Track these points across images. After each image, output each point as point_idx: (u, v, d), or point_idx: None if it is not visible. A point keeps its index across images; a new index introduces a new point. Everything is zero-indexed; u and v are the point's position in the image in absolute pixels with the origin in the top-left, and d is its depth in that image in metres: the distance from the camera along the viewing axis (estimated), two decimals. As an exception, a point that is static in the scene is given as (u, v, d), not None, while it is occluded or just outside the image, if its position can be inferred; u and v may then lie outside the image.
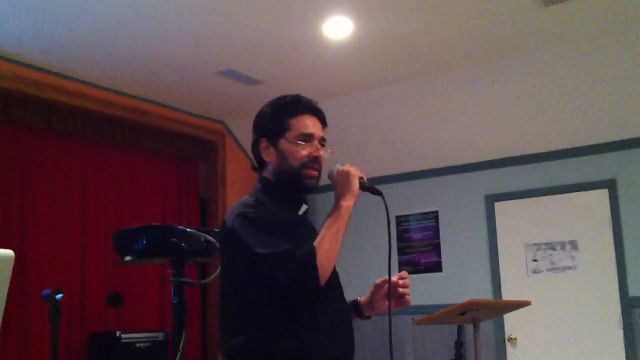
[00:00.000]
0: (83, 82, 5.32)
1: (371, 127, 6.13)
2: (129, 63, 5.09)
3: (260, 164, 2.19)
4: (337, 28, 4.59)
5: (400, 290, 2.17)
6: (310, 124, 2.13)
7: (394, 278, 2.16)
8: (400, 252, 6.36)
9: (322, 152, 2.13)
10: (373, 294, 2.23)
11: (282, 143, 2.12)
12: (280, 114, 2.15)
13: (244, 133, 6.53)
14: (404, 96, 5.83)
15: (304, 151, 2.10)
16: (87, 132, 5.52)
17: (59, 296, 3.10)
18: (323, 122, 2.19)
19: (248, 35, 4.69)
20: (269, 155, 2.14)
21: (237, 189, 6.53)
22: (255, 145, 2.19)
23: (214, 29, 4.58)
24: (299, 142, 2.10)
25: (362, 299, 2.27)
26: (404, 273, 2.20)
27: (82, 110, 5.38)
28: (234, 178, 6.61)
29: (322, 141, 2.15)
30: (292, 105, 2.16)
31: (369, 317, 2.29)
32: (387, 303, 2.14)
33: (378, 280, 2.21)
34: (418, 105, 5.89)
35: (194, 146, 6.49)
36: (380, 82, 5.67)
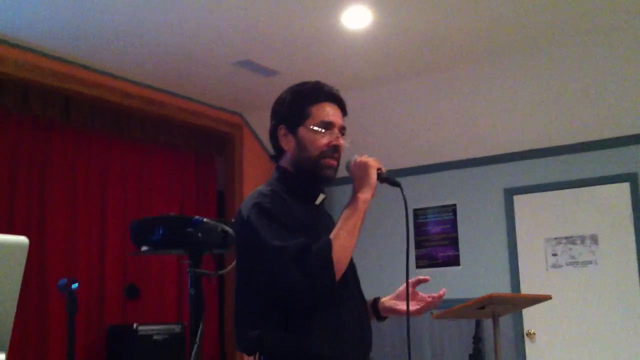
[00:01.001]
0: (101, 72, 5.31)
1: (389, 119, 6.08)
2: (147, 54, 5.08)
3: (278, 152, 2.14)
4: (356, 18, 4.54)
5: (430, 299, 2.14)
6: (331, 112, 2.08)
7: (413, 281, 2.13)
8: (418, 245, 6.31)
9: (342, 141, 2.08)
10: (398, 297, 2.18)
11: (302, 131, 2.06)
12: (300, 101, 2.10)
13: (262, 125, 6.50)
14: (423, 89, 5.78)
15: (324, 139, 2.04)
16: (106, 124, 5.53)
17: (74, 286, 3.09)
18: (344, 111, 2.14)
19: (265, 26, 4.65)
20: (288, 143, 2.09)
21: (255, 182, 6.50)
22: (273, 132, 2.13)
23: (231, 20, 4.55)
24: (319, 129, 2.05)
25: (384, 299, 2.22)
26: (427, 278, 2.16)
27: (100, 101, 5.38)
28: (252, 171, 6.59)
29: (342, 130, 2.10)
30: (313, 92, 2.11)
31: (384, 319, 2.24)
32: (416, 309, 2.11)
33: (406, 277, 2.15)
34: (437, 98, 5.83)
35: (211, 139, 6.48)
36: (398, 74, 5.61)
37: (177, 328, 5.37)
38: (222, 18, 4.53)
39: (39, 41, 4.78)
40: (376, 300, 2.23)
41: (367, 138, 5.91)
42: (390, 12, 4.50)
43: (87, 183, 5.42)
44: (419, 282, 2.18)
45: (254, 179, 6.55)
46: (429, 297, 2.15)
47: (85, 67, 5.20)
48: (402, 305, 2.13)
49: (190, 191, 6.34)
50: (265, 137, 6.66)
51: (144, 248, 2.50)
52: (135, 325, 5.09)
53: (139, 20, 4.50)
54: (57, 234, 5.12)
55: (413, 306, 2.13)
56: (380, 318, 2.23)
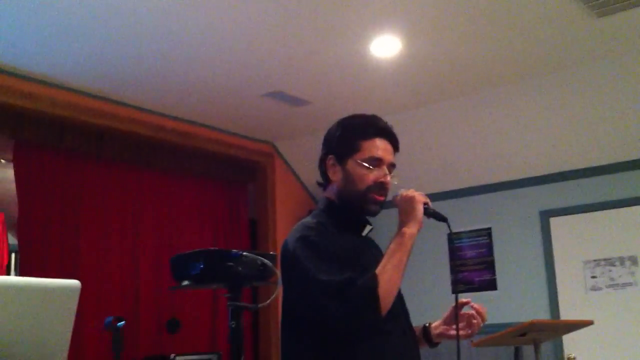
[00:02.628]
0: (134, 107, 5.40)
1: (422, 144, 6.07)
2: (179, 87, 5.15)
3: (325, 181, 2.14)
4: (385, 47, 4.57)
5: (472, 313, 2.11)
6: (381, 148, 2.07)
7: (474, 306, 2.11)
8: (453, 270, 6.26)
9: (389, 179, 2.06)
10: (445, 321, 2.17)
11: (350, 163, 2.06)
12: (351, 134, 2.09)
13: (293, 154, 6.55)
14: (454, 113, 5.77)
15: (372, 176, 2.04)
16: (139, 157, 5.61)
17: (120, 324, 3.12)
18: (395, 147, 2.13)
19: (296, 57, 4.70)
20: (335, 174, 2.09)
21: (287, 210, 6.53)
22: (322, 161, 2.13)
23: (261, 51, 4.60)
24: (368, 165, 2.04)
25: (433, 325, 2.21)
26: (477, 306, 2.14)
27: (133, 135, 5.46)
28: (284, 199, 6.62)
29: (392, 167, 2.09)
30: (366, 127, 2.10)
31: (436, 345, 2.22)
32: (461, 330, 2.09)
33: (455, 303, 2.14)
34: (468, 122, 5.81)
35: (243, 168, 6.52)
36: (429, 100, 5.62)
37: (213, 358, 5.38)
38: (252, 51, 4.58)
39: (72, 79, 4.88)
40: (426, 328, 2.21)
41: (401, 163, 5.88)
42: (418, 41, 4.52)
43: (119, 215, 5.49)
44: (462, 305, 2.16)
45: (286, 206, 6.57)
46: (473, 316, 2.12)
47: (117, 102, 5.29)
48: (452, 331, 2.12)
49: (222, 220, 6.38)
50: (297, 165, 6.71)
51: (185, 282, 2.51)
52: (172, 355, 5.11)
53: (170, 54, 4.57)
54: (92, 267, 5.17)
55: (462, 329, 2.11)
56: (433, 344, 2.21)
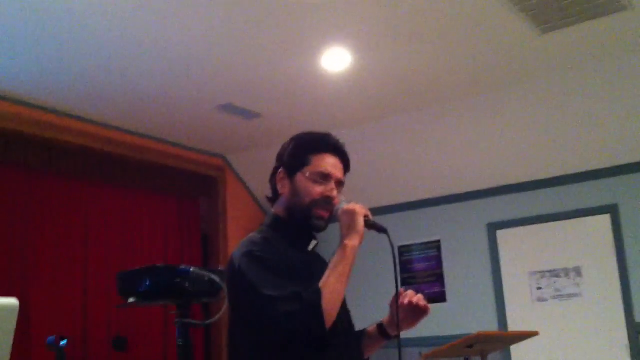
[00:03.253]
0: (84, 120, 5.33)
1: (371, 158, 6.13)
2: (129, 100, 5.10)
3: (275, 195, 2.15)
4: (336, 60, 4.60)
5: (415, 300, 2.09)
6: (331, 164, 2.09)
7: (404, 300, 2.10)
8: (404, 282, 6.31)
9: (335, 194, 2.07)
10: (393, 315, 2.14)
11: (299, 177, 2.07)
12: (303, 148, 2.11)
13: (245, 167, 6.53)
14: (403, 128, 5.84)
15: (319, 189, 2.05)
16: (89, 171, 5.52)
17: (63, 343, 3.06)
18: (346, 166, 2.15)
19: (246, 70, 4.71)
20: (284, 187, 2.10)
21: (239, 224, 6.50)
22: (273, 174, 2.14)
23: (213, 64, 4.60)
24: (315, 179, 2.06)
25: (384, 320, 2.19)
26: (411, 293, 2.13)
27: (83, 148, 5.38)
28: (236, 213, 6.58)
29: (340, 185, 2.11)
30: (318, 142, 2.12)
31: (396, 336, 2.19)
32: (411, 321, 2.10)
33: (396, 301, 2.11)
34: (417, 136, 5.89)
35: (194, 182, 6.48)
36: (379, 114, 5.68)
37: (164, 376, 5.30)
38: (203, 63, 4.57)
39: (20, 91, 4.79)
40: (380, 325, 2.21)
41: (350, 177, 5.93)
42: (367, 54, 4.57)
43: (69, 230, 5.38)
44: (409, 303, 2.13)
45: (238, 220, 6.54)
46: (410, 303, 2.11)
47: (67, 115, 5.21)
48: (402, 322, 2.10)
49: (174, 235, 6.31)
50: (248, 179, 6.69)
51: (131, 300, 2.47)
52: (121, 374, 5.03)
53: (120, 67, 4.53)
54: (41, 285, 5.05)
55: (410, 316, 2.11)
56: (392, 337, 2.19)
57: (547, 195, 5.79)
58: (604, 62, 4.86)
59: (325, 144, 2.12)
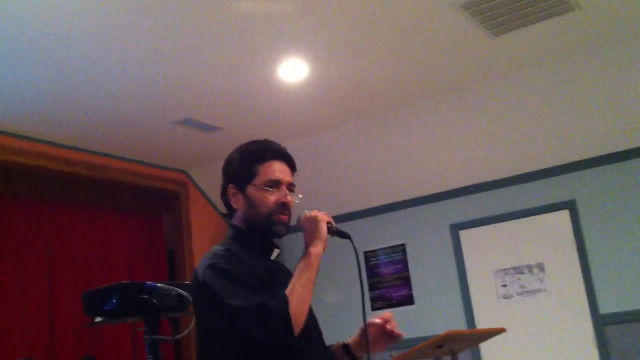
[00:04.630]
0: (42, 141, 5.26)
1: (332, 166, 6.17)
2: (87, 120, 5.06)
3: (230, 210, 2.17)
4: (293, 71, 4.63)
5: (389, 327, 2.13)
6: (278, 170, 2.12)
7: (378, 320, 2.14)
8: (371, 287, 6.36)
9: (290, 198, 2.11)
10: (362, 336, 2.17)
11: (250, 190, 2.10)
12: (248, 161, 2.13)
13: (207, 181, 6.51)
14: (363, 134, 5.89)
15: (272, 197, 2.08)
16: (49, 192, 5.45)
17: (31, 365, 3.02)
18: (292, 168, 2.18)
19: (203, 83, 4.70)
20: (237, 202, 2.13)
21: (204, 238, 6.47)
22: (224, 191, 2.17)
23: (169, 79, 4.59)
24: (267, 188, 2.09)
25: (351, 340, 2.22)
26: (387, 314, 2.17)
27: (42, 170, 5.31)
28: (200, 227, 6.55)
29: (291, 187, 2.14)
30: (260, 152, 2.15)
31: (360, 358, 2.24)
32: (381, 344, 2.13)
33: (371, 321, 2.15)
34: (377, 142, 5.95)
35: (157, 198, 6.43)
36: (338, 121, 5.72)
37: (135, 394, 5.24)
38: (160, 79, 4.56)
39: (-26, 114, 4.72)
40: (346, 345, 2.24)
41: (311, 185, 5.97)
42: (324, 64, 4.61)
43: (33, 252, 5.30)
44: (381, 326, 2.17)
45: (203, 234, 6.51)
46: (383, 327, 2.14)
47: (23, 137, 5.14)
48: (372, 344, 2.13)
49: (139, 252, 6.25)
50: (211, 192, 6.66)
51: (98, 319, 2.46)
52: (91, 396, 4.96)
53: (75, 86, 4.49)
54: (6, 308, 4.97)
55: (380, 340, 2.14)
56: (356, 358, 2.24)
57: (506, 194, 5.88)
58: (557, 62, 4.97)
59: (269, 151, 2.16)
